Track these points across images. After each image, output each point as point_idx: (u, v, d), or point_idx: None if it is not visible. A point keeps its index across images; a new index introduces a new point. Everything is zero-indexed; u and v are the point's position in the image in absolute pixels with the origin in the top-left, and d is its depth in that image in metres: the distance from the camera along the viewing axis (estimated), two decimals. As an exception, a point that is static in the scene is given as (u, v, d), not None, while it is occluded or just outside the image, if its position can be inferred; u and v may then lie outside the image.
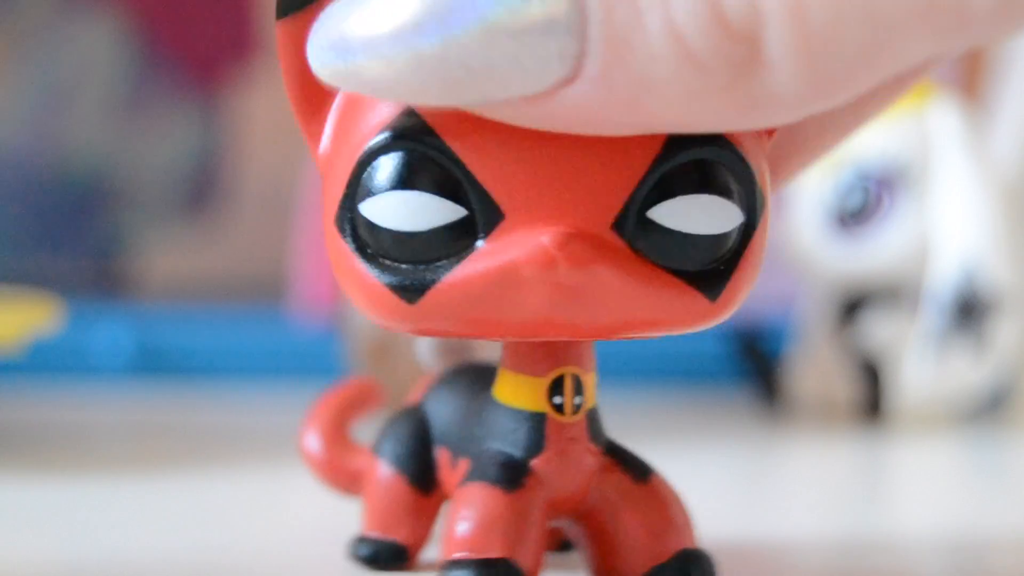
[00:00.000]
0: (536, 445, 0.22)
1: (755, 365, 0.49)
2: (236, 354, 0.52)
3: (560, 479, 0.22)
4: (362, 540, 0.24)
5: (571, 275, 0.19)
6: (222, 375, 0.51)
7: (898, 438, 0.43)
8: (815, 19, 0.17)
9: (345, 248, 0.20)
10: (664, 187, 0.20)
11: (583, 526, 0.22)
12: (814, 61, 0.17)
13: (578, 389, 0.22)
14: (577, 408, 0.22)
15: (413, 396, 0.26)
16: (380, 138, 0.20)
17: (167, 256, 0.71)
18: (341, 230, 0.20)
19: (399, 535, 0.24)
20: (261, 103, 0.72)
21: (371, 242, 0.20)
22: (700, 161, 0.20)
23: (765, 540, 0.27)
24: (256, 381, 0.51)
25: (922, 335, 0.45)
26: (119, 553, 0.27)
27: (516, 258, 0.19)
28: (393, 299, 0.20)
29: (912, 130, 0.46)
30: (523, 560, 0.21)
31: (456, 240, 0.20)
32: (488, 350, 0.25)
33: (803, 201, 0.46)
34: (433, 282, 0.20)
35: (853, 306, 0.46)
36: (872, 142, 0.45)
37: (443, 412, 0.24)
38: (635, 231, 0.20)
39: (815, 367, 0.47)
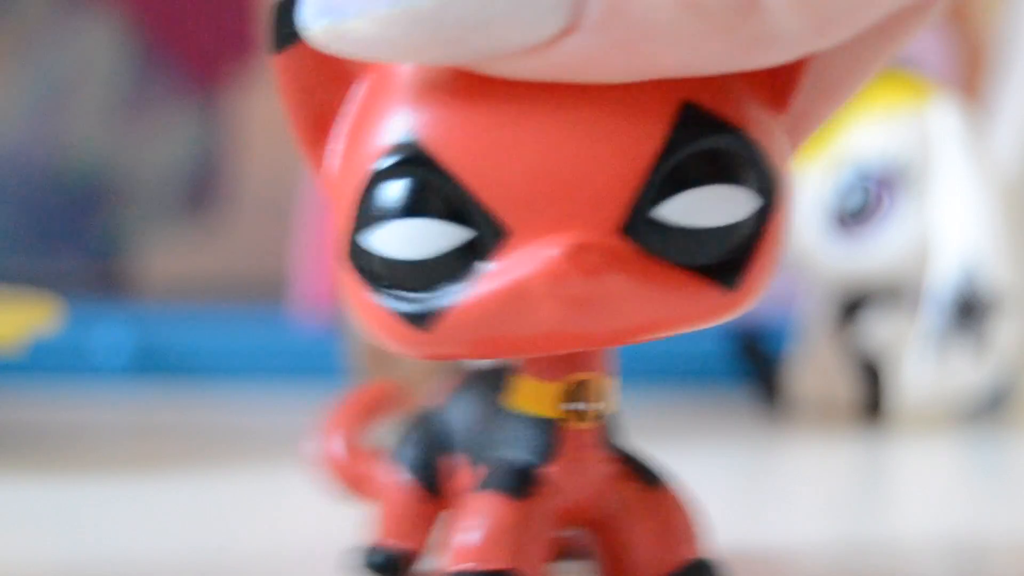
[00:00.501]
0: (549, 452, 0.21)
1: (755, 365, 0.49)
2: (236, 354, 0.52)
3: (573, 487, 0.21)
4: (375, 549, 0.24)
5: (583, 286, 0.19)
6: (222, 375, 0.51)
7: (898, 438, 0.43)
8: None
9: (354, 279, 0.20)
10: (669, 183, 0.19)
11: (595, 535, 0.22)
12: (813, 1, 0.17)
13: (594, 394, 0.21)
14: (593, 414, 0.21)
15: (434, 399, 0.25)
16: (378, 166, 0.20)
17: (167, 256, 0.71)
18: (349, 261, 0.20)
19: (412, 543, 0.24)
20: (261, 103, 0.71)
21: (378, 271, 0.20)
22: (704, 152, 0.19)
23: (765, 540, 0.27)
24: (256, 381, 0.51)
25: (922, 335, 0.45)
26: (119, 553, 0.27)
27: (526, 275, 0.19)
28: (405, 327, 0.20)
29: (912, 130, 0.46)
30: (528, 571, 0.21)
31: (464, 262, 0.19)
32: None
33: (803, 201, 0.46)
34: (444, 308, 0.19)
35: (853, 306, 0.46)
36: (872, 142, 0.45)
37: (463, 418, 0.24)
38: (644, 232, 0.19)
39: (815, 367, 0.47)
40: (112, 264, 0.71)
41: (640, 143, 0.19)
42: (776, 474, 0.39)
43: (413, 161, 0.19)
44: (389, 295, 0.20)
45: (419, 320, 0.20)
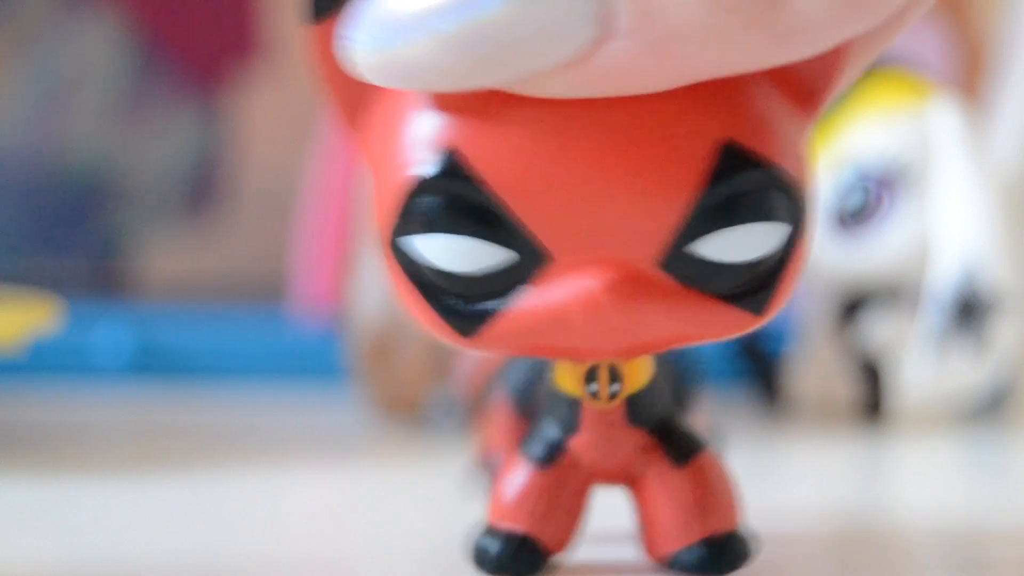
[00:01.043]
0: (573, 426, 0.22)
1: (755, 365, 0.49)
2: (236, 354, 0.52)
3: (597, 459, 0.22)
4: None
5: (618, 317, 0.20)
6: (222, 375, 0.51)
7: (898, 438, 0.43)
8: None
9: (399, 271, 0.21)
10: (707, 221, 0.20)
11: (632, 494, 0.23)
12: None
13: (614, 377, 0.22)
14: (613, 395, 0.22)
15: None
16: (424, 176, 0.20)
17: (167, 256, 0.71)
18: (394, 254, 0.21)
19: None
20: (261, 103, 0.71)
21: (421, 274, 0.21)
22: (741, 191, 0.20)
23: (764, 540, 0.27)
24: (256, 381, 0.51)
25: (922, 335, 0.45)
26: (119, 553, 0.27)
27: (565, 303, 0.20)
28: (448, 328, 0.21)
29: (912, 130, 0.46)
30: (547, 535, 0.22)
31: (506, 280, 0.20)
32: None
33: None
34: (486, 317, 0.20)
35: (853, 306, 0.46)
36: (872, 142, 0.45)
37: (532, 370, 0.26)
38: (680, 264, 0.20)
39: (815, 367, 0.47)
40: (112, 264, 0.71)
41: (681, 180, 0.20)
42: (776, 474, 0.39)
43: (457, 176, 0.20)
44: (432, 295, 0.21)
45: (461, 324, 0.21)
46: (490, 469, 0.28)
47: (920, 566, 0.27)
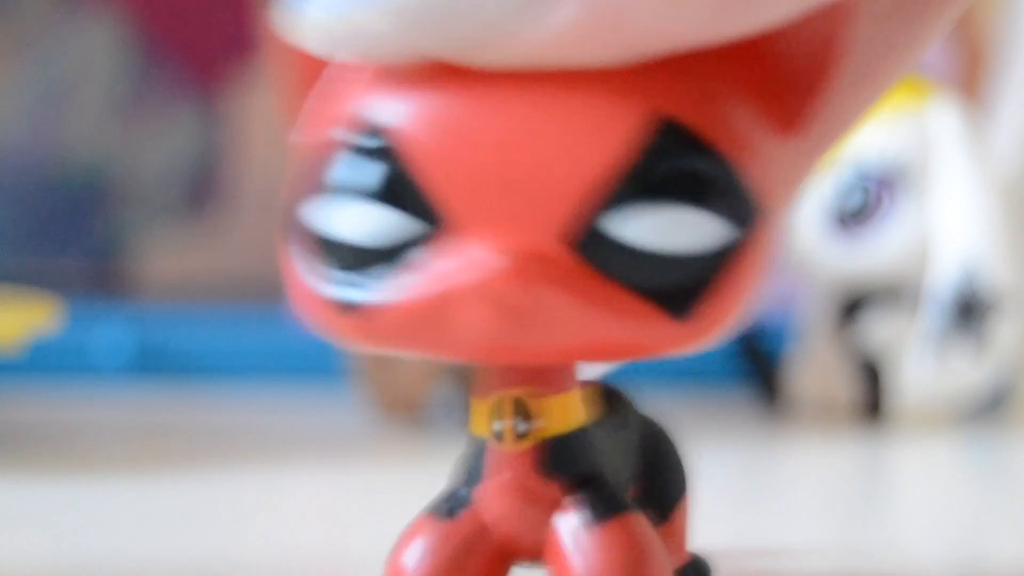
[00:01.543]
0: (478, 475, 0.19)
1: (755, 365, 0.49)
2: (236, 354, 0.52)
3: (500, 515, 0.19)
4: None
5: (512, 296, 0.17)
6: (222, 375, 0.51)
7: (898, 438, 0.43)
8: None
9: (291, 255, 0.19)
10: (627, 198, 0.17)
11: (546, 563, 0.20)
12: None
13: (522, 415, 0.19)
14: (522, 435, 0.19)
15: None
16: (330, 138, 0.18)
17: (167, 256, 0.71)
18: (287, 233, 0.19)
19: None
20: (261, 103, 0.71)
21: (315, 248, 0.18)
22: (673, 171, 0.17)
23: (764, 541, 0.27)
24: (256, 381, 0.51)
25: (922, 335, 0.45)
26: (119, 553, 0.27)
27: (454, 279, 0.17)
28: (337, 315, 0.18)
29: (912, 130, 0.46)
30: None
31: (398, 252, 0.18)
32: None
33: (803, 201, 0.46)
34: (374, 300, 0.18)
35: (853, 306, 0.46)
36: (872, 142, 0.45)
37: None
38: (591, 246, 0.17)
39: (815, 367, 0.47)
40: (112, 264, 0.71)
41: (601, 150, 0.17)
42: (776, 474, 0.39)
43: (366, 139, 0.18)
44: (319, 276, 0.18)
45: (350, 310, 0.18)
46: None
47: (920, 566, 0.27)
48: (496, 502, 0.19)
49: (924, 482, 0.38)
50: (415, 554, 0.20)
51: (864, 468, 0.41)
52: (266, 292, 0.64)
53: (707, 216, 0.17)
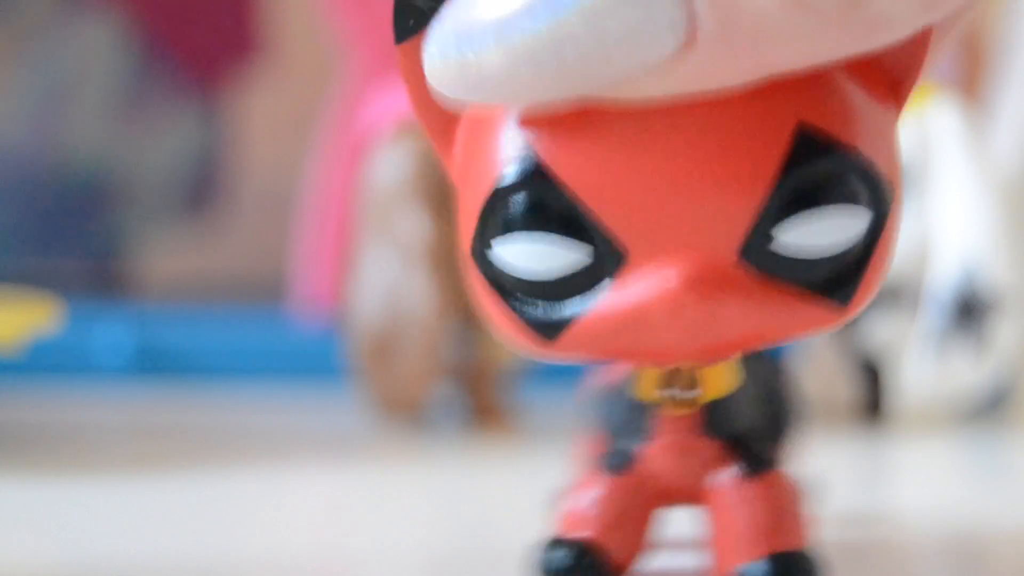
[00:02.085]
0: (647, 433, 0.22)
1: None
2: (236, 354, 0.52)
3: (669, 468, 0.22)
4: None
5: (700, 312, 0.19)
6: (222, 375, 0.51)
7: (898, 438, 0.43)
8: None
9: (482, 280, 0.21)
10: (785, 208, 0.19)
11: (705, 507, 0.22)
12: None
13: (691, 382, 0.22)
14: (690, 400, 0.22)
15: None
16: (503, 181, 0.20)
17: (167, 256, 0.71)
18: (477, 264, 0.21)
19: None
20: (261, 103, 0.72)
21: (504, 280, 0.20)
22: (820, 175, 0.19)
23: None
24: (256, 381, 0.51)
25: (922, 335, 0.45)
26: (119, 553, 0.27)
27: (644, 300, 0.19)
28: (531, 333, 0.20)
29: (912, 130, 0.46)
30: (615, 543, 0.22)
31: (585, 281, 0.20)
32: None
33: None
34: (566, 322, 0.20)
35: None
36: (872, 142, 0.45)
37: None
38: (761, 254, 0.20)
39: (815, 367, 0.47)
40: (112, 264, 0.71)
41: (757, 168, 0.19)
42: (776, 474, 0.39)
43: (535, 179, 0.20)
44: (514, 301, 0.21)
45: (542, 329, 0.20)
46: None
47: (920, 566, 0.27)
48: (665, 458, 0.22)
49: (924, 482, 0.38)
50: (592, 504, 0.22)
51: (864, 468, 0.41)
52: (266, 292, 0.64)
53: (853, 208, 0.20)
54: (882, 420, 0.45)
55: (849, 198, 0.20)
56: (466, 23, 0.19)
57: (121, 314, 0.56)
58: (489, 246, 0.20)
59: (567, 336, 0.20)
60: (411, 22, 0.20)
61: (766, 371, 0.25)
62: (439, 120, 0.21)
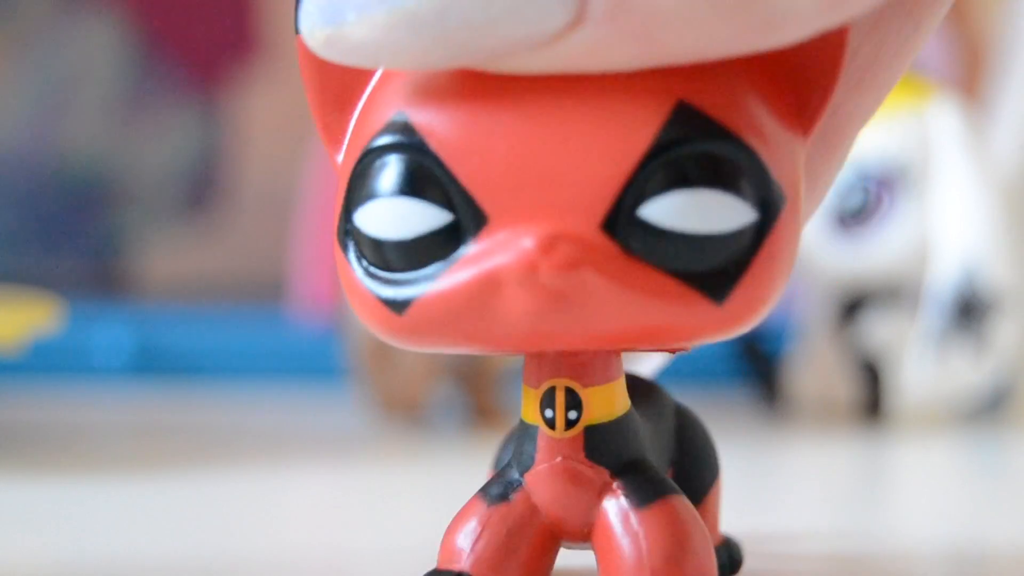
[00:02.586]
0: (530, 460, 0.20)
1: (755, 365, 0.49)
2: (236, 354, 0.52)
3: (551, 498, 0.20)
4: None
5: (555, 280, 0.18)
6: (222, 375, 0.51)
7: (898, 438, 0.43)
8: None
9: (344, 260, 0.20)
10: (657, 183, 0.18)
11: (592, 545, 0.21)
12: None
13: (572, 403, 0.20)
14: (570, 423, 0.20)
15: None
16: (369, 145, 0.19)
17: (167, 256, 0.71)
18: (341, 242, 0.20)
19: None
20: (261, 103, 0.72)
21: (363, 252, 0.19)
22: (697, 154, 0.18)
23: (764, 540, 0.27)
24: (256, 381, 0.51)
25: (922, 335, 0.45)
26: (119, 553, 0.27)
27: (498, 264, 0.18)
28: (384, 312, 0.19)
29: (912, 130, 0.46)
30: (490, 573, 0.20)
31: (441, 247, 0.19)
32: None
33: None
34: (418, 295, 0.19)
35: (853, 306, 0.46)
36: (872, 142, 0.45)
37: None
38: (627, 230, 0.18)
39: (815, 367, 0.47)
40: (112, 264, 0.71)
41: (629, 139, 0.18)
42: (776, 474, 0.39)
43: (402, 141, 0.19)
44: (372, 278, 0.19)
45: (396, 306, 0.19)
46: None
47: (920, 566, 0.27)
48: (547, 485, 0.20)
49: (924, 482, 0.38)
50: (469, 536, 0.20)
51: (864, 468, 0.41)
52: (266, 292, 0.64)
53: (732, 198, 0.18)
54: (882, 420, 0.45)
55: (727, 186, 0.18)
56: None
57: (121, 314, 0.56)
58: (353, 212, 0.19)
59: (416, 311, 0.19)
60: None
61: (678, 413, 0.23)
62: (333, 111, 0.20)
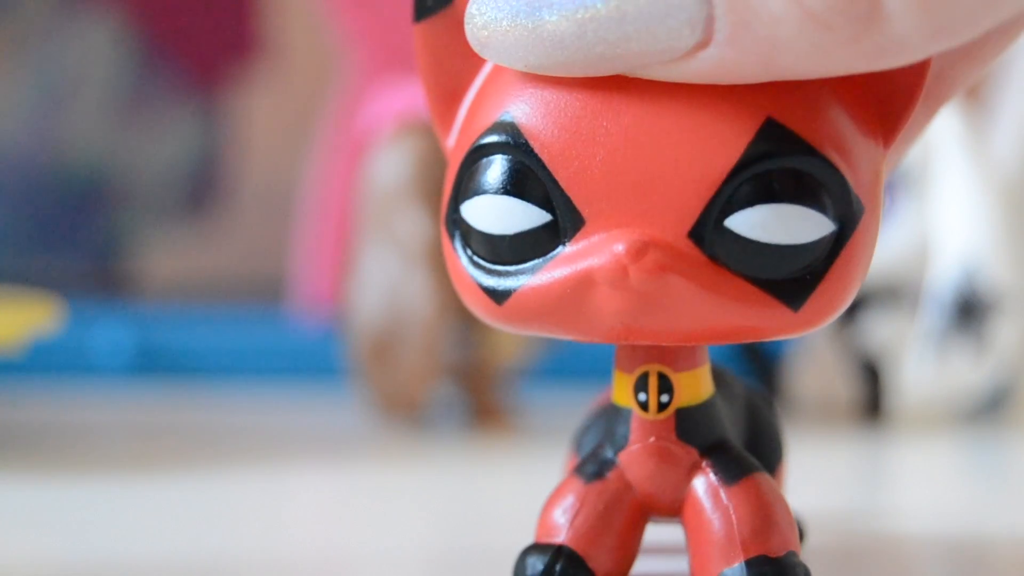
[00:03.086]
0: (624, 440, 0.22)
1: (755, 365, 0.49)
2: (236, 354, 0.52)
3: (645, 475, 0.22)
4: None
5: (643, 284, 0.19)
6: (222, 375, 0.51)
7: (898, 438, 0.43)
8: None
9: (451, 247, 0.21)
10: (743, 196, 0.20)
11: (681, 517, 0.22)
12: (933, 10, 0.18)
13: (664, 387, 0.22)
14: (663, 406, 0.22)
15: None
16: (478, 142, 0.21)
17: (167, 256, 0.71)
18: (448, 230, 0.21)
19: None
20: (261, 103, 0.72)
21: (469, 242, 0.21)
22: (782, 169, 0.20)
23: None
24: (256, 381, 0.51)
25: (922, 335, 0.45)
26: (119, 553, 0.27)
27: (590, 266, 0.20)
28: (485, 299, 0.21)
29: (912, 130, 0.46)
30: (591, 550, 0.21)
31: (541, 244, 0.20)
32: None
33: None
34: (516, 287, 0.20)
35: (853, 306, 0.46)
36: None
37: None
38: (712, 239, 0.20)
39: (815, 367, 0.47)
40: (112, 264, 0.71)
41: (719, 152, 0.20)
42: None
43: (508, 142, 0.20)
44: (476, 267, 0.21)
45: (497, 295, 0.21)
46: None
47: (920, 566, 0.27)
48: (640, 464, 0.22)
49: (924, 482, 0.38)
50: (568, 511, 0.22)
51: (864, 467, 0.41)
52: (266, 292, 0.64)
53: (814, 212, 0.20)
54: (882, 420, 0.45)
55: (809, 201, 0.20)
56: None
57: (121, 314, 0.56)
58: (459, 206, 0.21)
59: (514, 302, 0.20)
60: (430, 2, 0.21)
61: (749, 396, 0.25)
62: (443, 99, 0.22)
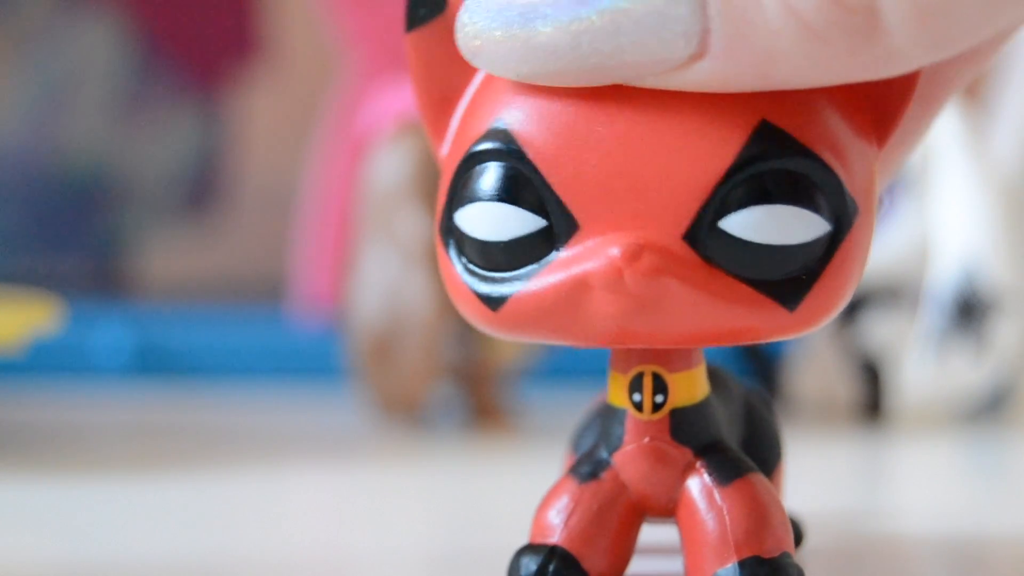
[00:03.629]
0: (618, 440, 0.22)
1: (755, 365, 0.49)
2: (236, 354, 0.52)
3: (638, 476, 0.22)
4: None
5: (638, 287, 0.19)
6: (222, 375, 0.51)
7: (898, 438, 0.43)
8: None
9: (444, 254, 0.21)
10: (738, 197, 0.20)
11: (676, 519, 0.22)
12: (932, 23, 0.18)
13: (659, 388, 0.22)
14: (657, 407, 0.22)
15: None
16: (471, 150, 0.21)
17: (167, 256, 0.71)
18: (442, 237, 0.21)
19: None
20: (261, 103, 0.72)
21: (463, 250, 0.21)
22: (776, 171, 0.20)
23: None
24: (256, 381, 0.51)
25: (922, 335, 0.45)
26: (119, 553, 0.27)
27: (585, 270, 0.20)
28: (480, 306, 0.21)
29: (912, 130, 0.46)
30: (586, 550, 0.22)
31: (535, 250, 0.20)
32: None
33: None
34: (511, 293, 0.20)
35: (853, 306, 0.46)
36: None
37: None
38: (707, 241, 0.20)
39: (815, 367, 0.47)
40: (112, 264, 0.71)
41: (713, 155, 0.20)
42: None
43: (502, 149, 0.20)
44: (471, 274, 0.21)
45: (492, 302, 0.21)
46: None
47: (920, 566, 0.27)
48: (635, 464, 0.22)
49: (924, 482, 0.38)
50: (562, 512, 0.22)
51: (864, 468, 0.41)
52: (266, 292, 0.64)
53: (808, 212, 0.20)
54: (882, 420, 0.45)
55: (804, 201, 0.20)
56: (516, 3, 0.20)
57: (121, 314, 0.56)
58: (453, 214, 0.21)
59: (509, 308, 0.20)
60: (422, 11, 0.21)
61: (746, 396, 0.25)
62: (435, 107, 0.22)
